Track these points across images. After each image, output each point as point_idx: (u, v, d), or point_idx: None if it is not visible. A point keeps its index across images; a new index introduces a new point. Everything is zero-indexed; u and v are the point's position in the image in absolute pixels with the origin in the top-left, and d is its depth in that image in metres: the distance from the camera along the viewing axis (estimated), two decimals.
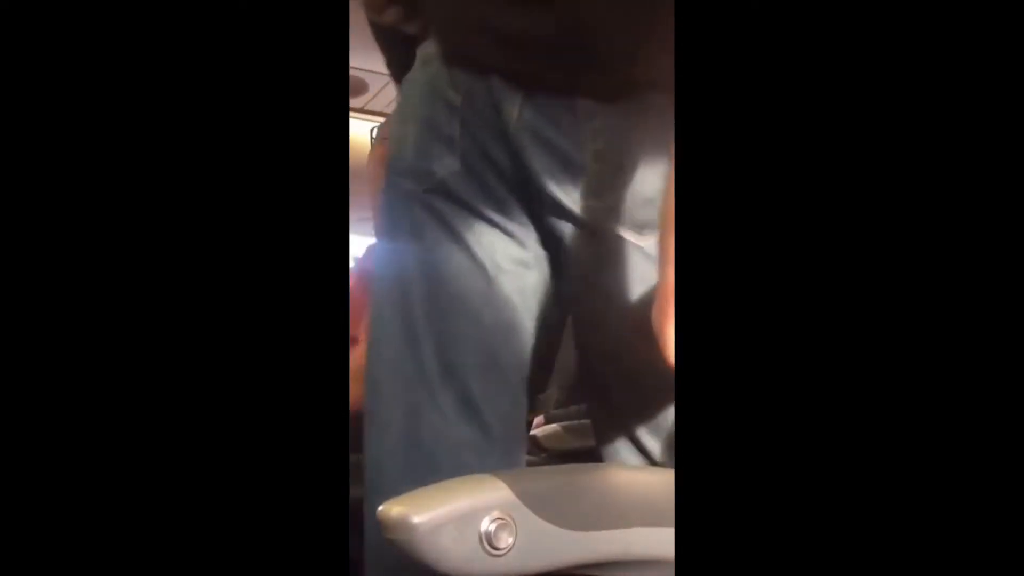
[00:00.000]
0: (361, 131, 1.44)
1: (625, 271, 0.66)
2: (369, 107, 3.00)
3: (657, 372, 0.48)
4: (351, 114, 2.95)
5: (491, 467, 0.57)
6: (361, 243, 1.49)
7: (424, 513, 0.39)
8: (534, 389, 0.77)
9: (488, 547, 0.39)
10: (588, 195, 0.67)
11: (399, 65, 0.82)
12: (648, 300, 0.53)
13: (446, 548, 0.39)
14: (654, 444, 0.70)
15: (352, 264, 1.27)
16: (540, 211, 0.70)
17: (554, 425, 1.34)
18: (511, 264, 0.72)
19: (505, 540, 0.40)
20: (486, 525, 0.39)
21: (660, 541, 0.42)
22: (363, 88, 2.90)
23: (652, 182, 0.64)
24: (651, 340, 0.49)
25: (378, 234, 0.76)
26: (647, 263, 0.64)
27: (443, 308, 0.70)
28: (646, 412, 0.70)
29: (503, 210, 0.71)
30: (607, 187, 0.66)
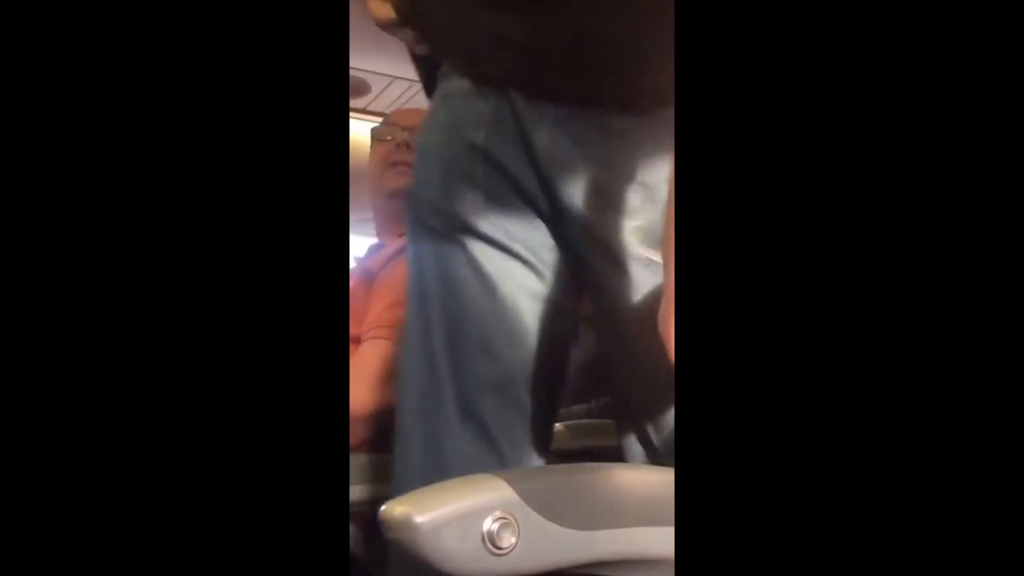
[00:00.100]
0: (363, 132, 1.44)
1: (654, 295, 0.67)
2: (371, 108, 3.00)
3: (668, 373, 0.49)
4: (353, 115, 2.95)
5: None
6: (362, 243, 1.49)
7: (427, 513, 0.39)
8: (552, 418, 0.78)
9: (490, 546, 0.39)
10: (620, 217, 0.68)
11: (429, 86, 0.83)
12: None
13: (449, 548, 0.39)
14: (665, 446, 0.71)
15: (353, 264, 1.27)
16: (568, 237, 0.71)
17: (557, 425, 1.34)
18: (534, 300, 0.73)
19: (508, 539, 0.39)
20: (488, 524, 0.39)
21: (663, 540, 0.42)
22: (365, 89, 2.90)
23: None
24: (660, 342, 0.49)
25: (410, 268, 0.77)
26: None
27: (464, 349, 0.72)
28: (660, 414, 0.71)
29: (529, 243, 0.72)
30: (639, 209, 0.66)
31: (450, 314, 0.72)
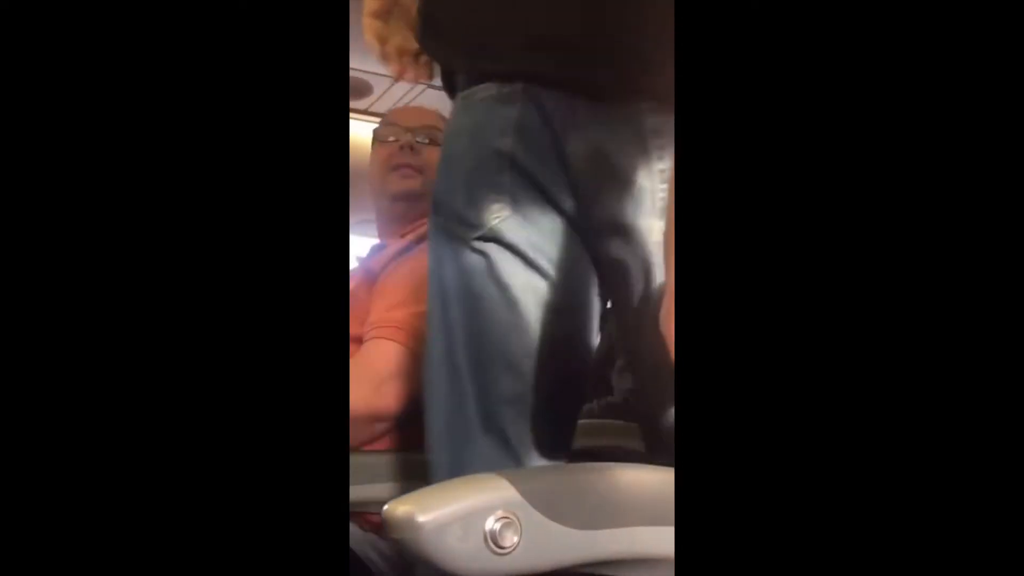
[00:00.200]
0: (365, 133, 1.43)
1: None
2: (373, 109, 3.00)
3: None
4: (355, 116, 2.95)
5: None
6: (363, 244, 1.49)
7: (429, 512, 0.39)
8: (570, 428, 0.79)
9: (493, 546, 0.39)
10: (652, 220, 0.68)
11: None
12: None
13: (451, 547, 0.39)
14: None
15: (355, 264, 1.27)
16: (595, 246, 0.71)
17: None
18: (556, 313, 0.73)
19: (510, 539, 0.40)
20: (491, 524, 0.39)
21: (665, 540, 0.42)
22: (367, 90, 2.90)
23: None
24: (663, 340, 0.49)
25: (431, 275, 0.77)
26: None
27: (486, 363, 0.72)
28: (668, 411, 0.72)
29: (553, 254, 0.72)
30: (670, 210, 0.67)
31: (472, 327, 0.72)
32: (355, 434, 0.98)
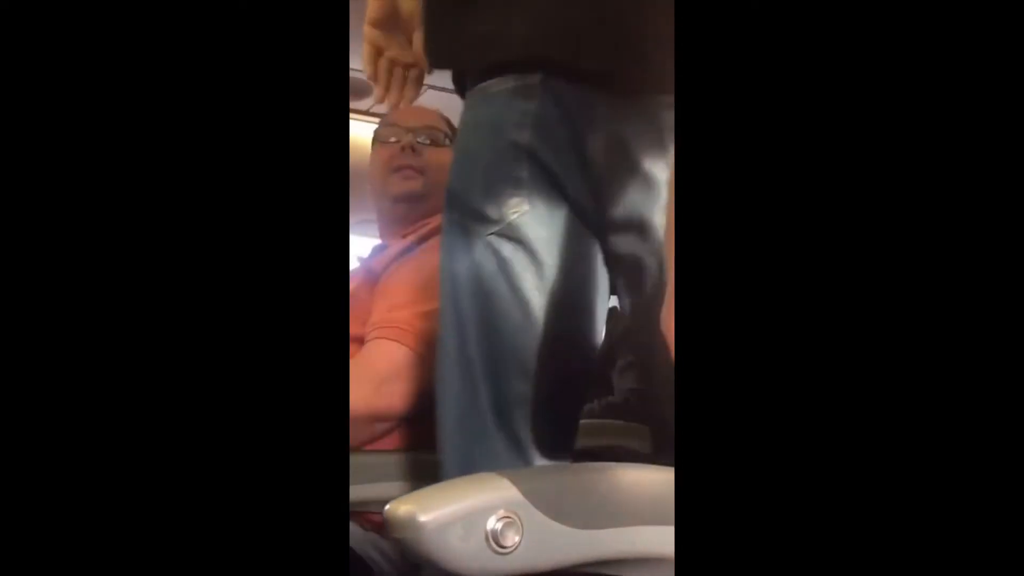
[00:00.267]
0: (365, 133, 1.43)
1: None
2: (374, 109, 3.00)
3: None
4: (356, 116, 2.94)
5: None
6: (364, 244, 1.48)
7: (431, 512, 0.39)
8: (575, 425, 0.79)
9: (494, 545, 0.39)
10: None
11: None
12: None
13: (453, 546, 0.39)
14: None
15: (356, 264, 1.26)
16: (612, 242, 0.71)
17: None
18: (568, 314, 0.73)
19: (511, 538, 0.40)
20: (492, 523, 0.39)
21: (667, 540, 0.42)
22: (368, 91, 2.89)
23: None
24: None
25: (443, 268, 0.76)
26: None
27: (498, 362, 0.72)
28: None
29: (566, 250, 0.71)
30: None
31: (485, 324, 0.72)
32: (356, 434, 0.98)
